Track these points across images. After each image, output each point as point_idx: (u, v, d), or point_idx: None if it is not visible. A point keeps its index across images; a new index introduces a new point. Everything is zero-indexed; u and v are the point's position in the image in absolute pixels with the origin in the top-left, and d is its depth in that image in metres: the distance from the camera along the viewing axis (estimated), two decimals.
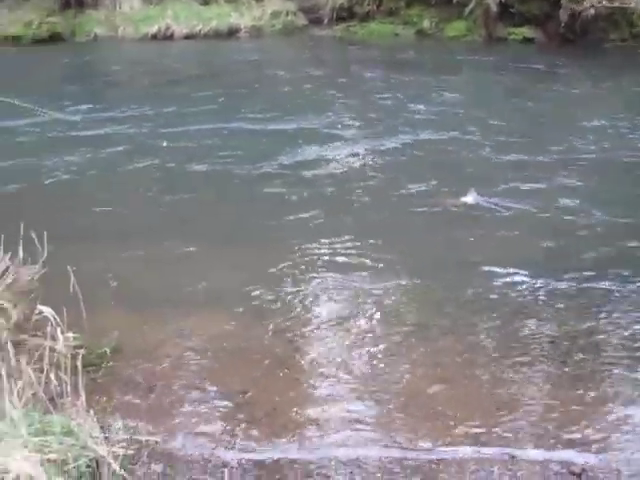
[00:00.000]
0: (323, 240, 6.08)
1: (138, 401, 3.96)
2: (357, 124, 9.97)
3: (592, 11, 15.98)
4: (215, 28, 17.99)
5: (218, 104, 11.09)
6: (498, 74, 13.89)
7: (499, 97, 12.22)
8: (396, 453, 3.62)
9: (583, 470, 3.49)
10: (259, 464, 3.53)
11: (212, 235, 6.20)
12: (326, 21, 18.66)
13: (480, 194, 6.96)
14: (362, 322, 4.86)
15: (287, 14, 18.63)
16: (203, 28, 17.92)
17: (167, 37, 17.67)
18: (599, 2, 15.85)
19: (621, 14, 16.51)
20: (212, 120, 10.02)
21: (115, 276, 5.37)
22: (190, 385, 4.18)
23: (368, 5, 18.40)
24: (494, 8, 16.89)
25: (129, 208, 6.88)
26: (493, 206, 6.85)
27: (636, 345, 4.61)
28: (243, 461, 3.50)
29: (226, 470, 3.44)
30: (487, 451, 3.63)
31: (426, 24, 18.02)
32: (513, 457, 3.57)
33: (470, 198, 6.92)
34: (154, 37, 17.64)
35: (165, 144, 8.83)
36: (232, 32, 18.14)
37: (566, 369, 4.36)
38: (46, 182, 7.60)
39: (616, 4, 14.75)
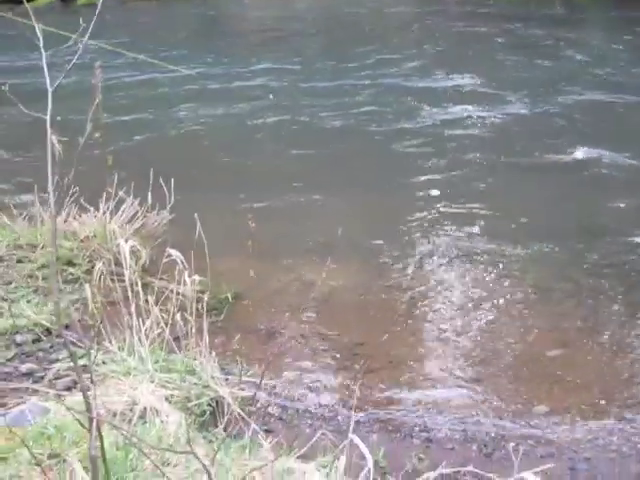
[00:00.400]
0: (446, 202, 5.98)
1: (258, 346, 4.09)
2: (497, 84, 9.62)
3: None
4: None
5: (350, 59, 11.01)
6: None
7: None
8: (509, 414, 3.57)
9: None
10: (373, 414, 3.56)
11: (337, 188, 6.23)
12: None
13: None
14: (480, 283, 4.78)
15: None
16: None
17: None
18: None
19: None
20: (348, 76, 10.00)
21: (238, 225, 5.48)
22: (308, 334, 4.27)
23: None
24: None
25: (256, 160, 7.02)
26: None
27: None
28: (359, 411, 3.54)
29: (339, 418, 3.49)
30: (603, 414, 3.51)
31: None
32: (632, 426, 3.43)
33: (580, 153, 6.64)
34: None
35: (271, 97, 8.85)
36: None
37: None
38: (179, 132, 7.87)
39: None
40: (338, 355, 4.08)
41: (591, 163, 6.67)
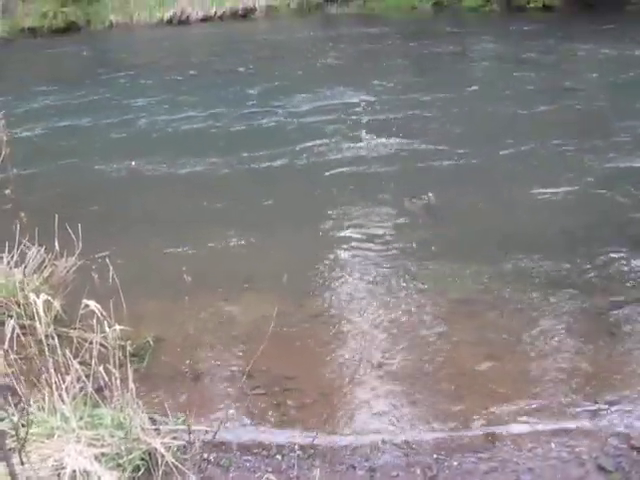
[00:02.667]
0: (361, 222, 5.99)
1: (184, 391, 3.92)
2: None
3: None
4: (230, 9, 17.89)
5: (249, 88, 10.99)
6: (513, 45, 13.62)
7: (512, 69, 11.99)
8: (448, 432, 3.55)
9: None
10: (312, 449, 3.47)
11: (250, 225, 6.12)
12: None
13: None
14: (404, 303, 4.78)
15: None
16: (218, 10, 17.83)
17: (182, 21, 17.59)
18: None
19: None
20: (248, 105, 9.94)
21: (155, 268, 5.34)
22: (235, 372, 4.13)
23: None
24: None
25: (167, 203, 6.84)
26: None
27: None
28: (296, 447, 3.44)
29: (280, 456, 3.38)
30: (541, 423, 3.56)
31: None
32: (570, 433, 3.49)
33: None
34: (169, 22, 17.58)
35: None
36: (247, 13, 18.03)
37: (616, 341, 4.26)
38: (87, 181, 7.55)
39: None
40: (269, 392, 3.96)
41: (507, 178, 6.86)
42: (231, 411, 3.79)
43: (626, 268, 5.11)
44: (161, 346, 4.34)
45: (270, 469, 3.34)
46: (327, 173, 7.29)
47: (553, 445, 3.42)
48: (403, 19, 17.13)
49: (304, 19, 17.77)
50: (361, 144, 8.15)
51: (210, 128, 9.16)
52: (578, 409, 3.69)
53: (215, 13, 17.73)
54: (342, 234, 5.83)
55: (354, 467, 3.35)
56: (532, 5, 16.74)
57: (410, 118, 8.98)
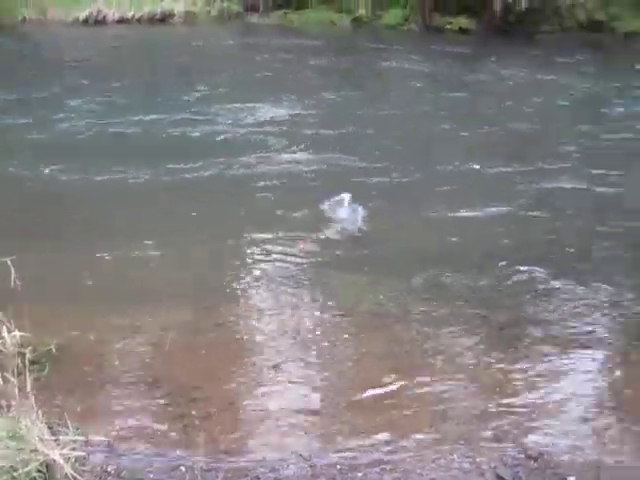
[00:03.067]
0: (281, 235, 6.00)
1: (87, 400, 3.81)
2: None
3: (524, 3, 16.30)
4: (148, 13, 17.62)
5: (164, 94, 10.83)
6: (435, 65, 14.00)
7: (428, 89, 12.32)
8: (353, 444, 3.58)
9: (540, 454, 3.52)
10: (216, 460, 3.43)
11: (162, 235, 5.99)
12: (262, 8, 18.51)
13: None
14: (313, 314, 4.81)
15: (222, 0, 18.39)
16: (136, 13, 17.52)
17: (98, 21, 17.21)
18: None
19: (551, 7, 16.91)
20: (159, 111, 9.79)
21: (57, 272, 5.17)
22: (140, 382, 4.04)
23: None
24: None
25: (76, 208, 6.64)
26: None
27: (575, 328, 4.72)
28: (200, 458, 3.39)
29: (183, 468, 3.32)
30: (444, 435, 3.63)
31: (362, 12, 18.05)
32: (470, 444, 3.58)
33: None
34: (85, 21, 17.16)
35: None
36: (165, 17, 17.81)
37: (515, 355, 4.41)
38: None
39: None
40: (174, 402, 3.89)
41: (434, 197, 7.00)
42: (134, 421, 3.70)
43: (530, 286, 5.30)
44: (64, 354, 4.18)
45: None
46: (252, 185, 7.22)
47: (455, 456, 3.50)
48: (324, 33, 17.29)
49: (224, 27, 17.69)
50: (287, 157, 8.14)
51: (132, 135, 8.95)
52: (479, 421, 3.79)
53: (133, 16, 17.43)
54: (258, 246, 5.79)
55: (258, 478, 3.33)
56: (449, 27, 17.22)
57: (335, 133, 9.06)
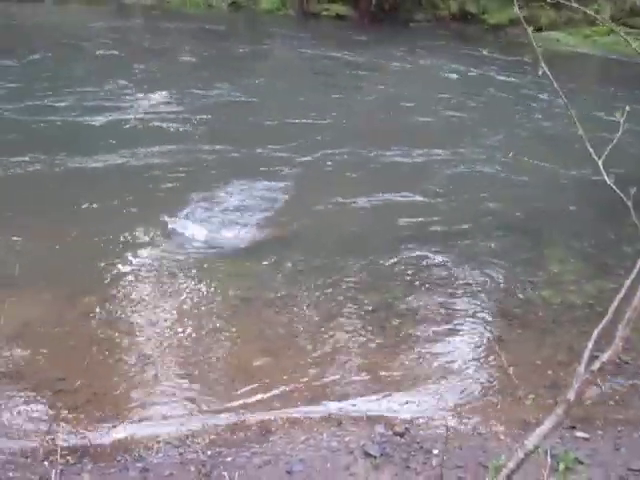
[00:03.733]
0: (160, 225, 5.85)
1: None
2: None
3: None
4: None
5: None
6: (316, 49, 14.09)
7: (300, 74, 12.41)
8: (223, 428, 3.58)
9: (406, 429, 3.64)
10: (81, 452, 3.34)
11: (39, 221, 5.73)
12: None
13: None
14: (184, 300, 4.74)
15: None
16: None
17: None
18: None
19: None
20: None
21: None
22: (2, 375, 3.85)
23: None
24: None
25: None
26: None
27: (448, 310, 4.91)
28: (64, 451, 3.28)
29: (47, 463, 3.21)
30: (314, 415, 3.69)
31: None
32: (340, 423, 3.66)
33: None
34: None
35: None
36: None
37: (384, 334, 4.53)
38: None
39: None
40: (39, 394, 3.74)
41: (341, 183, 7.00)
42: None
43: (409, 269, 5.42)
44: None
45: (36, 477, 3.17)
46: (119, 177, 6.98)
47: (324, 436, 3.57)
48: (201, 16, 17.02)
49: (96, 7, 17.06)
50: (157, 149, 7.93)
51: (18, 122, 8.39)
52: (348, 400, 3.87)
53: None
54: (135, 237, 5.59)
55: (126, 468, 3.27)
56: (325, 13, 17.38)
57: (218, 119, 8.89)
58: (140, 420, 3.61)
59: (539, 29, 17.97)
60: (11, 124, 8.07)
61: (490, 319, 4.88)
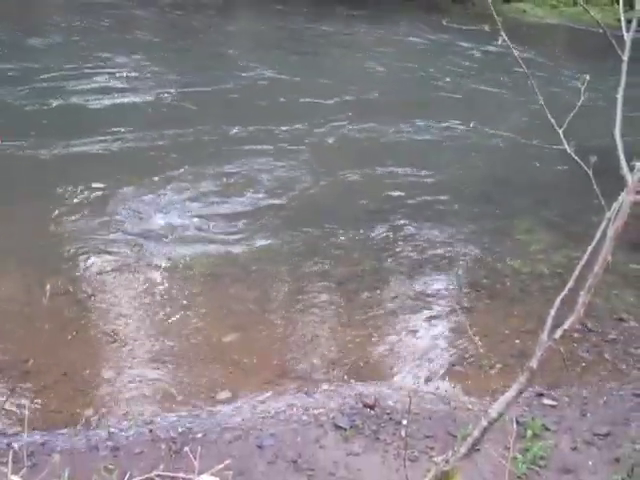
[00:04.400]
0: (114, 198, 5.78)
1: None
2: None
3: None
4: None
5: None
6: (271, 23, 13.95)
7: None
8: (193, 405, 3.58)
9: (376, 400, 3.67)
10: (50, 433, 3.31)
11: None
12: None
13: None
14: (151, 279, 4.69)
15: None
16: None
17: None
18: None
19: None
20: None
21: None
22: None
23: None
24: None
25: None
26: None
27: (416, 282, 4.94)
28: (35, 432, 3.26)
29: (16, 444, 3.17)
30: (284, 390, 3.70)
31: None
32: (310, 396, 3.68)
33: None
34: None
35: None
36: None
37: (353, 307, 4.54)
38: None
39: None
40: (6, 376, 3.69)
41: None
42: None
43: (382, 242, 5.43)
44: None
45: (4, 459, 3.14)
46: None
47: (295, 410, 3.58)
48: None
49: None
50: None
51: None
52: (319, 374, 3.89)
53: None
54: (93, 216, 5.51)
55: (97, 448, 3.25)
56: None
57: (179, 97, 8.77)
58: (110, 399, 3.59)
59: (507, 0, 18.00)
60: None
61: (458, 289, 4.92)
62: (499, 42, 2.05)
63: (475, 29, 12.89)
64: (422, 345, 4.26)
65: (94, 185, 5.93)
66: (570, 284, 1.75)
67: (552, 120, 1.93)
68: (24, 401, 3.53)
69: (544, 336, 1.74)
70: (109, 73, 9.20)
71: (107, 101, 8.19)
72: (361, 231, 5.55)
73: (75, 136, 6.92)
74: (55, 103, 7.88)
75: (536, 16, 17.56)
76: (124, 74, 9.21)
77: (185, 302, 4.43)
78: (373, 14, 15.14)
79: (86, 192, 5.84)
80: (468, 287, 4.95)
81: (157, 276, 4.73)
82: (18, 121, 7.37)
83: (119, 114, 7.86)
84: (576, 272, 1.76)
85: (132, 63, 9.78)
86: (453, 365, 4.09)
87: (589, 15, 2.78)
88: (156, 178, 6.21)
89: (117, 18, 12.79)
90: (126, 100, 8.32)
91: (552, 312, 1.76)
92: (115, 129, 7.20)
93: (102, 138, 6.97)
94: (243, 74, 9.69)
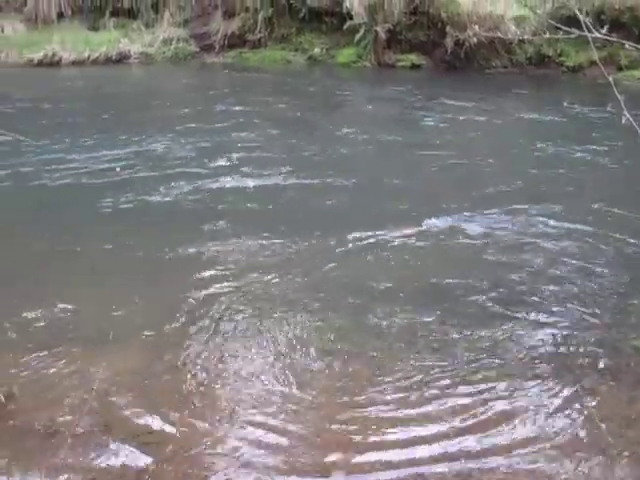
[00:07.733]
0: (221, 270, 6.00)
1: (38, 450, 3.72)
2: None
3: (474, 39, 16.65)
4: (105, 54, 17.70)
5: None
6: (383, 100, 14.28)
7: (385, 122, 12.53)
8: None
9: None
10: None
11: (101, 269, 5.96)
12: (217, 48, 18.71)
13: None
14: (263, 351, 4.78)
15: (178, 41, 18.57)
16: (92, 54, 17.57)
17: (53, 63, 17.22)
18: (479, 32, 16.57)
19: (501, 43, 17.34)
20: None
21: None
22: (93, 428, 3.95)
23: (259, 32, 18.55)
24: (383, 35, 17.43)
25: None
26: None
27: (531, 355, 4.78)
28: None
29: None
30: None
31: (317, 51, 18.35)
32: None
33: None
34: (40, 63, 17.16)
35: None
36: (122, 58, 17.89)
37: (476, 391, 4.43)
38: None
39: (496, 34, 15.40)
40: (128, 450, 3.82)
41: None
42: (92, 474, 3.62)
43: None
44: (14, 402, 4.11)
45: None
46: None
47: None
48: (280, 70, 17.53)
49: (179, 66, 17.88)
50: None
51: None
52: None
53: (88, 57, 17.47)
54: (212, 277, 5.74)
55: None
56: (401, 64, 17.60)
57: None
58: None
59: (619, 69, 17.66)
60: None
61: (577, 369, 4.71)
62: (623, 121, 2.03)
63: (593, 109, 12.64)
64: (542, 430, 4.08)
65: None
66: None
67: None
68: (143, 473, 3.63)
69: None
70: None
71: None
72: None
73: None
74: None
75: None
76: None
77: (297, 377, 4.47)
78: (485, 90, 15.19)
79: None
80: (590, 368, 4.73)
81: (269, 351, 4.80)
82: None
83: None
84: None
85: None
86: (575, 450, 3.89)
87: None
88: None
89: None
90: None
91: None
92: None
93: None
94: None
